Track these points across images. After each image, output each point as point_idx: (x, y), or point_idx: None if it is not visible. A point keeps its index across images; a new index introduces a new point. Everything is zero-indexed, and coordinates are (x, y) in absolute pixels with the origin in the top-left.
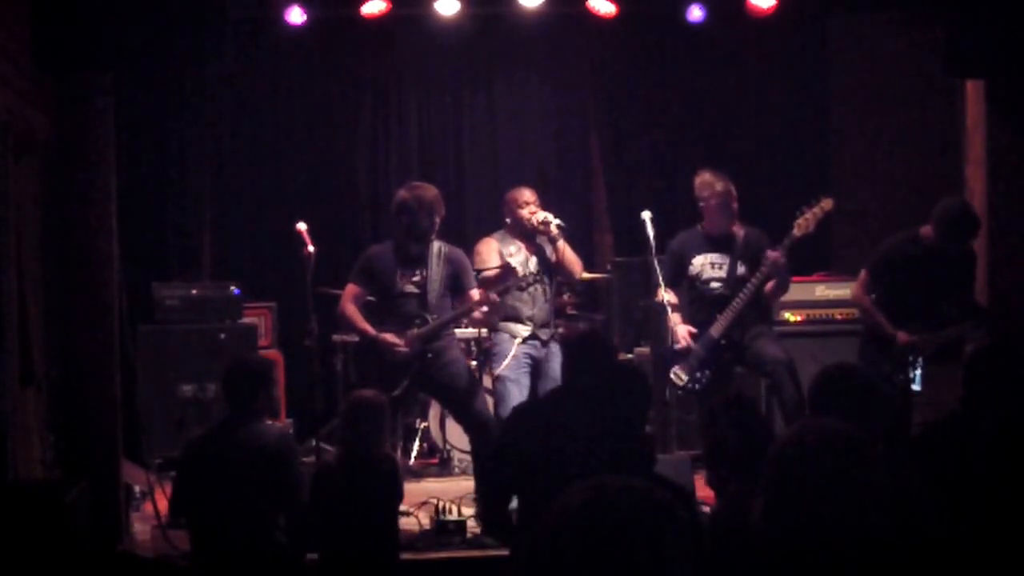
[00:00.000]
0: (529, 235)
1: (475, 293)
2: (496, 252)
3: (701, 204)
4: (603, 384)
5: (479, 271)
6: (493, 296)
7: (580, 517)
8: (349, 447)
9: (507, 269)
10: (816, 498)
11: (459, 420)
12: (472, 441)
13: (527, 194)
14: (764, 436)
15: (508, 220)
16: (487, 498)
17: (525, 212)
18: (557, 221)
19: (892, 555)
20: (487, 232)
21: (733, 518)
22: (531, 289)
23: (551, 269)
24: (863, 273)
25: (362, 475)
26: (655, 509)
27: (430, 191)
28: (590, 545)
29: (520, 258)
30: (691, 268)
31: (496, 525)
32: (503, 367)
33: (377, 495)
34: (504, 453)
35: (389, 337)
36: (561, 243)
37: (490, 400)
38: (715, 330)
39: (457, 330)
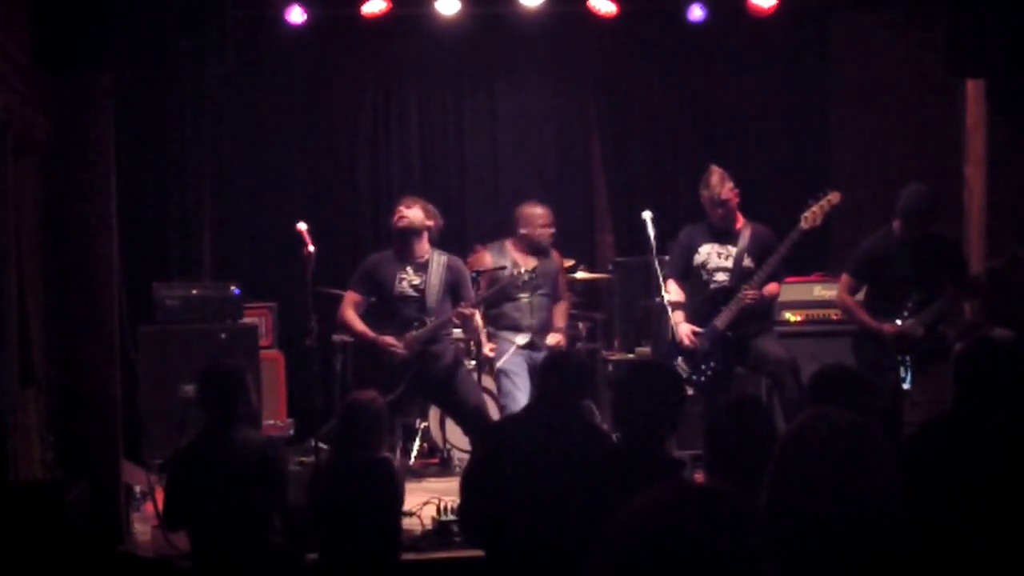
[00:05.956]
0: (535, 250)
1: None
2: (490, 262)
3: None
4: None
5: (477, 272)
6: (466, 311)
7: (658, 518)
8: (343, 448)
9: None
10: (820, 492)
11: (458, 421)
12: (472, 441)
13: (544, 214)
14: (766, 437)
15: (523, 231)
16: (469, 500)
17: (545, 232)
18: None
19: (898, 551)
20: (486, 231)
21: None
22: (529, 299)
23: (550, 282)
24: (844, 277)
25: (359, 477)
26: (735, 516)
27: (422, 212)
28: (667, 548)
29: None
30: (697, 257)
31: (475, 526)
32: (503, 361)
33: (375, 497)
34: (491, 460)
35: (387, 339)
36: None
37: (491, 401)
38: (720, 322)
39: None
